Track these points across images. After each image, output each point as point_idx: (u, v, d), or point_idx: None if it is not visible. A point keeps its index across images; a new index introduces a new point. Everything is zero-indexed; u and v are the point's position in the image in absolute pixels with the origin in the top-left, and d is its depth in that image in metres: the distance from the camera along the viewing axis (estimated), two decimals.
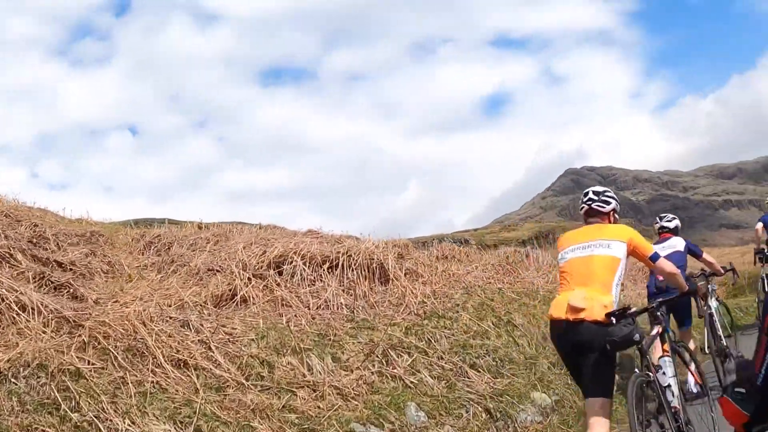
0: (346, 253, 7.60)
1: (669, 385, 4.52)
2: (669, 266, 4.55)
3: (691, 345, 6.63)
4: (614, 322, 4.05)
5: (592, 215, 4.64)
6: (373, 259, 7.64)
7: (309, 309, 6.71)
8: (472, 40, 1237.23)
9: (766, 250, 9.65)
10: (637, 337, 4.13)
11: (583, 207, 4.71)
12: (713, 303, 7.35)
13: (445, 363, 6.24)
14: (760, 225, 10.43)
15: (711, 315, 7.12)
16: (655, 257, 4.47)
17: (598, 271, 4.27)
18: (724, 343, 6.93)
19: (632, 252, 4.40)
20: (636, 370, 4.45)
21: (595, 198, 4.61)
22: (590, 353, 4.07)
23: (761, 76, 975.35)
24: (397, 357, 6.06)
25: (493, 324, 7.31)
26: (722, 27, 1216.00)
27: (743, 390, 1.62)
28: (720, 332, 7.05)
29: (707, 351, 7.00)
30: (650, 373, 4.37)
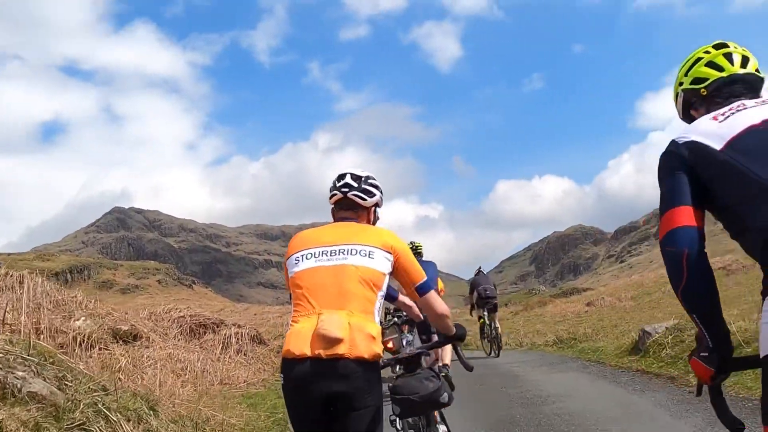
0: None
1: None
2: (442, 304, 3.24)
3: None
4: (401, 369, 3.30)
5: (345, 208, 3.35)
6: None
7: None
8: (41, 63, 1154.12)
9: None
10: (445, 397, 3.14)
11: (334, 195, 3.36)
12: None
13: None
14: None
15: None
16: (426, 286, 3.15)
17: (355, 287, 2.96)
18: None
19: (396, 269, 3.11)
20: None
21: (354, 185, 3.34)
22: (353, 410, 2.77)
23: (313, 147, 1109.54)
24: None
25: None
26: (289, 96, 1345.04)
27: (706, 353, 1.89)
28: None
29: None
30: None
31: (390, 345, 4.48)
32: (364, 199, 3.32)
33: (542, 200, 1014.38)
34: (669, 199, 1.98)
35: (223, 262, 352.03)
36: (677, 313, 23.76)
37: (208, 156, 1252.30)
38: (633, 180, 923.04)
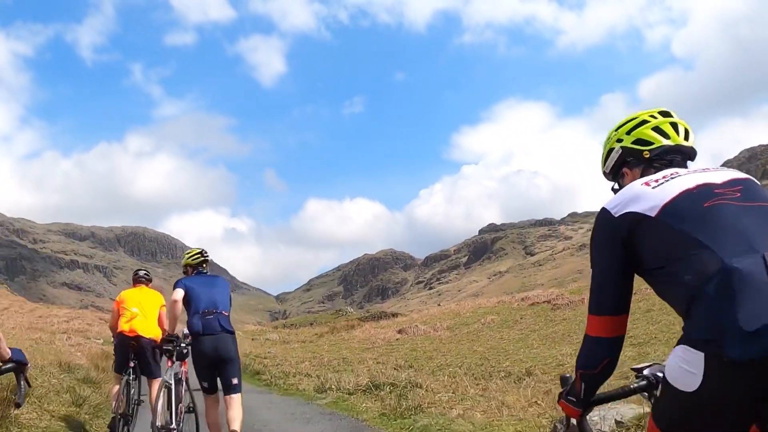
0: None
1: None
2: None
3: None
4: None
5: None
6: None
7: None
8: None
9: (179, 343, 6.39)
10: None
11: None
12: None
13: None
14: (180, 293, 6.30)
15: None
16: None
17: None
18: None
19: None
20: None
21: None
22: None
23: (126, 149, 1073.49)
24: None
25: None
26: (109, 96, 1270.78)
27: (573, 399, 2.19)
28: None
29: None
30: None
31: None
32: None
33: (352, 222, 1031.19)
34: (600, 302, 2.10)
35: (28, 259, 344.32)
36: (531, 356, 21.06)
37: (22, 149, 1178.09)
38: (443, 210, 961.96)
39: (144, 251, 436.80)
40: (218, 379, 6.15)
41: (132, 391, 6.47)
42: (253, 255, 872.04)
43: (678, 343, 1.78)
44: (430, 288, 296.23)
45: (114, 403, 6.94)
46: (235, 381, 6.18)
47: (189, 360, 6.41)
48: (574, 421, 2.29)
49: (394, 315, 51.19)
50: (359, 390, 11.44)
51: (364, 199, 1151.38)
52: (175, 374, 6.35)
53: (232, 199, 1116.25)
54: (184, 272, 6.81)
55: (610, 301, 2.07)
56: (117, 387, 7.06)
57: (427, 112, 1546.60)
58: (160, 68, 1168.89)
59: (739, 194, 1.93)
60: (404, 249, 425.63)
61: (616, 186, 2.42)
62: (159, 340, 6.96)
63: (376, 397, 10.34)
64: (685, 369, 1.72)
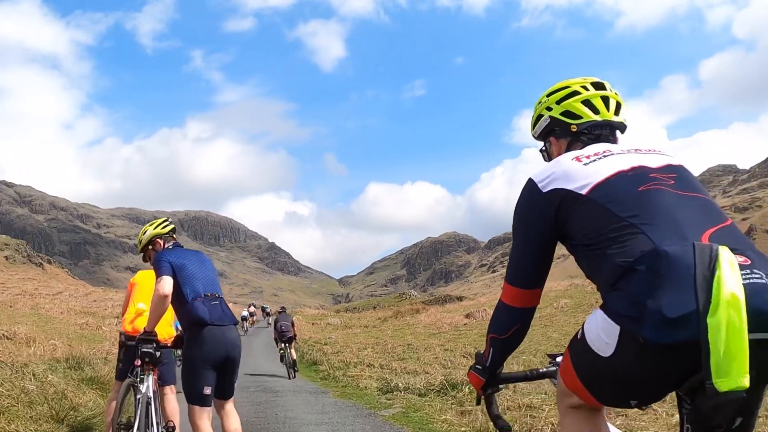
0: None
1: None
2: None
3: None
4: None
5: None
6: None
7: None
8: None
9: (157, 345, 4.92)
10: None
11: None
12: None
13: None
14: (170, 282, 4.60)
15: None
16: None
17: None
18: None
19: None
20: None
21: None
22: None
23: (186, 135, 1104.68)
24: None
25: None
26: (170, 82, 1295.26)
27: (480, 366, 2.17)
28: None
29: None
30: None
31: None
32: None
33: (413, 206, 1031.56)
34: (517, 273, 2.07)
35: (92, 244, 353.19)
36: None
37: (84, 136, 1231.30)
38: (504, 194, 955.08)
39: (207, 235, 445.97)
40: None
41: (139, 396, 4.91)
42: (315, 239, 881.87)
43: (600, 307, 1.74)
44: (494, 271, 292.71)
45: (108, 418, 5.31)
46: (235, 384, 4.87)
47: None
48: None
49: (460, 299, 49.53)
50: (432, 390, 9.57)
51: (425, 183, 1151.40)
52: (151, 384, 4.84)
53: (293, 184, 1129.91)
54: (148, 248, 5.39)
55: (526, 274, 2.05)
56: (114, 400, 5.41)
57: (487, 96, 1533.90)
58: (221, 54, 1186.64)
59: (673, 181, 1.88)
60: (466, 232, 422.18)
61: (544, 148, 2.38)
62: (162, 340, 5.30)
63: (454, 400, 8.46)
64: (601, 336, 1.70)
